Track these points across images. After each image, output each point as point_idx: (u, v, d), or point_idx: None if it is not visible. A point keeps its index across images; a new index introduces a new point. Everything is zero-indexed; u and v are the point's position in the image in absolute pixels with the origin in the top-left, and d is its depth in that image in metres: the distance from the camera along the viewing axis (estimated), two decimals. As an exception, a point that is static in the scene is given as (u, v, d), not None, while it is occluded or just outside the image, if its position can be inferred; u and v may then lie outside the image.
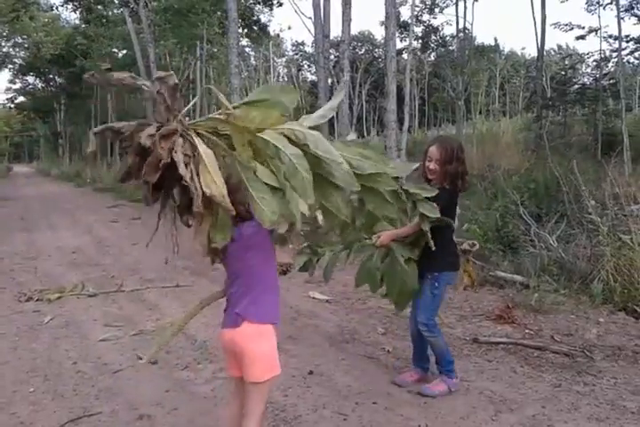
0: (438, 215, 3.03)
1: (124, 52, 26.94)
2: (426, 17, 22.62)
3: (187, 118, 1.89)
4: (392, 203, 2.57)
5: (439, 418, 3.15)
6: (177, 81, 1.86)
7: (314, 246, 3.50)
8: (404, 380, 3.64)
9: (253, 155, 1.90)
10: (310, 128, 2.04)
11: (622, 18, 15.12)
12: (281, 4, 21.39)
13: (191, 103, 2.03)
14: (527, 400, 3.35)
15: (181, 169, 1.74)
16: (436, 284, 3.40)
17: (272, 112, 1.95)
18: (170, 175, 1.79)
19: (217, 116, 1.92)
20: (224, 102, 1.86)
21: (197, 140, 1.83)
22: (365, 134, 37.70)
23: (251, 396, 2.22)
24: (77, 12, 24.10)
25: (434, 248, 3.19)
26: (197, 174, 1.78)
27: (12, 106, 45.72)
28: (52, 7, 26.88)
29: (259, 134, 1.89)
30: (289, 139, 1.95)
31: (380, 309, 5.26)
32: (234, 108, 1.89)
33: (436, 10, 21.90)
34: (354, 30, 42.02)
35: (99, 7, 23.21)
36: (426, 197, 3.02)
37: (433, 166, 3.32)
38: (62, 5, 23.33)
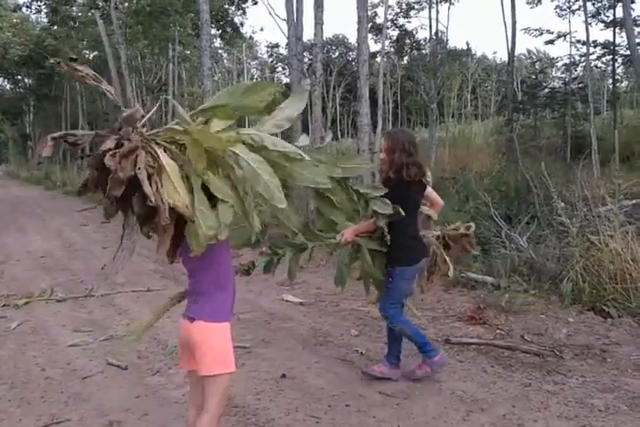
0: (391, 211, 3.07)
1: (95, 53, 26.58)
2: (401, 20, 22.76)
3: (145, 129, 1.87)
4: (340, 208, 2.69)
5: (411, 419, 3.16)
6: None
7: (274, 247, 3.51)
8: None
9: (214, 165, 1.88)
10: None
11: (590, 23, 15.43)
12: (256, 3, 21.31)
13: (150, 112, 2.00)
14: (498, 400, 3.37)
15: (146, 187, 1.72)
16: (390, 278, 3.52)
17: (230, 118, 1.95)
18: (132, 187, 1.77)
19: (175, 127, 1.90)
20: (183, 115, 1.85)
21: (159, 152, 1.81)
22: (339, 137, 37.81)
23: (206, 392, 2.23)
24: (43, 13, 23.69)
25: (389, 242, 3.38)
26: (161, 186, 1.76)
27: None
28: (18, 7, 26.35)
29: (214, 145, 1.87)
30: (247, 144, 1.94)
31: (354, 311, 5.26)
32: (194, 114, 1.88)
33: (412, 13, 22.02)
34: (329, 33, 42.18)
35: (65, 8, 22.85)
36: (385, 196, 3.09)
37: (382, 156, 3.49)
38: (27, 6, 22.88)
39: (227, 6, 21.29)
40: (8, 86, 40.28)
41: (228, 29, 23.02)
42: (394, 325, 3.59)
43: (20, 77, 37.26)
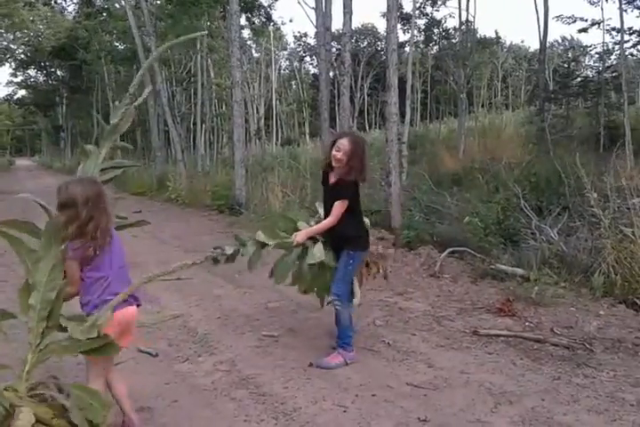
0: (323, 258, 3.83)
1: (126, 45, 26.83)
2: (429, 9, 22.47)
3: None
4: None
5: (439, 410, 3.16)
6: None
7: (241, 240, 3.95)
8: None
9: None
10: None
11: (625, 10, 15.01)
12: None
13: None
14: (527, 392, 3.35)
15: None
16: (351, 260, 3.86)
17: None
18: None
19: None
20: None
21: None
22: (367, 128, 37.62)
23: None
24: (74, 5, 23.98)
25: (347, 231, 3.85)
26: None
27: (14, 100, 45.75)
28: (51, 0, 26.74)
29: None
30: None
31: (380, 301, 5.26)
32: None
33: (439, 2, 21.73)
34: (357, 23, 41.86)
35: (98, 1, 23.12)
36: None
37: (340, 157, 3.74)
38: None
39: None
40: (41, 79, 40.98)
41: (256, 20, 22.96)
42: (343, 306, 3.84)
43: (52, 70, 37.88)
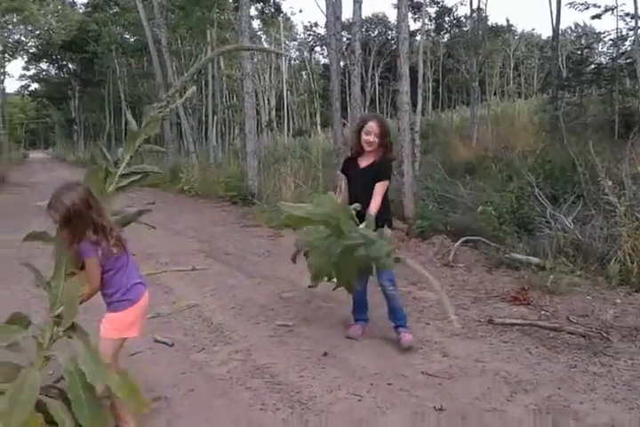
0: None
1: (136, 37, 26.85)
2: (440, -3, 22.28)
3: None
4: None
5: (454, 399, 3.16)
6: None
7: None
8: (357, 332, 4.13)
9: None
10: None
11: (640, -5, 14.76)
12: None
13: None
14: (543, 381, 3.34)
15: None
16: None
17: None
18: None
19: None
20: None
21: None
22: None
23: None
24: None
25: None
26: None
27: (27, 93, 46.00)
28: None
29: None
30: None
31: (395, 291, 5.25)
32: None
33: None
34: (368, 12, 41.59)
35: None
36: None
37: (373, 139, 3.86)
38: None
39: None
40: (53, 72, 41.19)
41: (266, 11, 22.88)
42: (396, 289, 4.00)
43: (64, 63, 38.04)
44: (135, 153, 2.93)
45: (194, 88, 4.13)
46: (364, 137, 3.88)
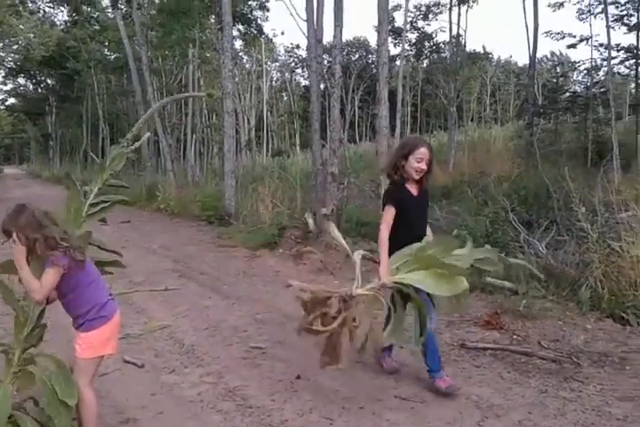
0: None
1: (116, 55, 26.83)
2: (420, 23, 22.71)
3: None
4: None
5: (426, 423, 3.15)
6: None
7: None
8: (393, 366, 3.96)
9: None
10: None
11: (612, 27, 15.25)
12: (277, -2, 21.41)
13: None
14: (514, 406, 3.35)
15: None
16: None
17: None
18: None
19: None
20: None
21: None
22: (357, 140, 37.76)
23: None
24: (65, 12, 23.99)
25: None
26: None
27: (3, 107, 45.52)
28: (38, 9, 26.76)
29: None
30: None
31: (369, 314, 5.24)
32: None
33: (430, 16, 21.96)
34: (350, 36, 42.22)
35: (88, 9, 23.10)
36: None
37: (424, 167, 3.56)
38: (51, 3, 23.17)
39: (248, 8, 21.27)
40: (31, 87, 40.83)
41: (249, 32, 23.06)
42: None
43: (42, 78, 37.77)
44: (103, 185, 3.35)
45: (148, 133, 4.42)
46: (414, 164, 3.53)
